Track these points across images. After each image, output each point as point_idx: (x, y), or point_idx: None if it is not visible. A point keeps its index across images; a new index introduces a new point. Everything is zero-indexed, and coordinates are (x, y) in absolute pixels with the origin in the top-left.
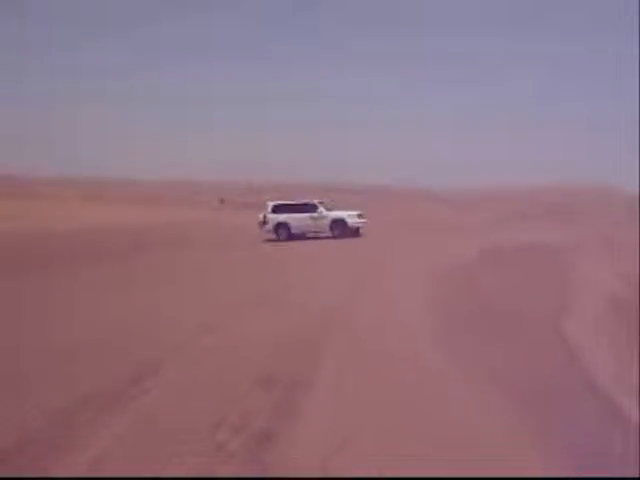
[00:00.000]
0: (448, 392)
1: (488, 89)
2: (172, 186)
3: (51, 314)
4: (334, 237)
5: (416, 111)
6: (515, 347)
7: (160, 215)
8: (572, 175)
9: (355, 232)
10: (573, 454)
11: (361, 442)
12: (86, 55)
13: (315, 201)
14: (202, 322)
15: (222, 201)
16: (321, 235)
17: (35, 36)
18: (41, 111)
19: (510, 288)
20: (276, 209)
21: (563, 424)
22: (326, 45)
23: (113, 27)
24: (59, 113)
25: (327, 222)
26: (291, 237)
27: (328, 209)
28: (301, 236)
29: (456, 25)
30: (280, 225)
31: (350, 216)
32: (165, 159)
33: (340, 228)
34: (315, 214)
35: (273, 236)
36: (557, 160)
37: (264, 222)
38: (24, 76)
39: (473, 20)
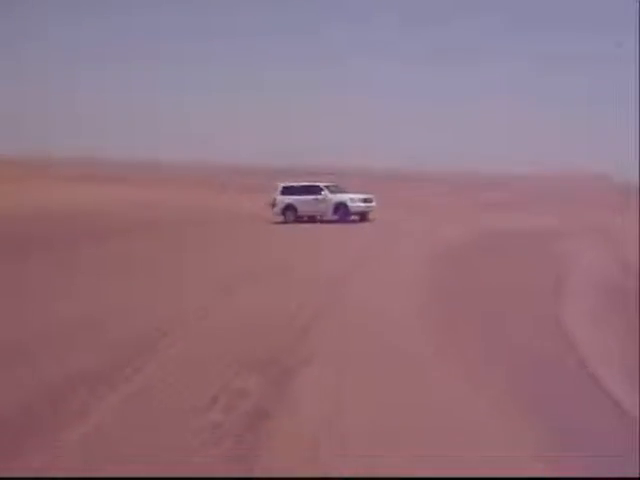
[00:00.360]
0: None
1: (491, 77)
2: (175, 168)
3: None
4: (337, 221)
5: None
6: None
7: (162, 198)
8: (572, 163)
9: (361, 216)
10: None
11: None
12: None
13: (320, 183)
14: None
15: (224, 185)
16: (325, 219)
17: None
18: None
19: (500, 265)
20: (285, 191)
21: (557, 413)
22: (325, 36)
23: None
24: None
25: (330, 205)
26: (298, 219)
27: (332, 192)
28: (310, 219)
29: (465, 12)
30: (288, 207)
31: (352, 200)
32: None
33: (342, 212)
34: (319, 197)
35: (280, 219)
36: (557, 147)
37: (273, 204)
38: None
39: (480, 8)
